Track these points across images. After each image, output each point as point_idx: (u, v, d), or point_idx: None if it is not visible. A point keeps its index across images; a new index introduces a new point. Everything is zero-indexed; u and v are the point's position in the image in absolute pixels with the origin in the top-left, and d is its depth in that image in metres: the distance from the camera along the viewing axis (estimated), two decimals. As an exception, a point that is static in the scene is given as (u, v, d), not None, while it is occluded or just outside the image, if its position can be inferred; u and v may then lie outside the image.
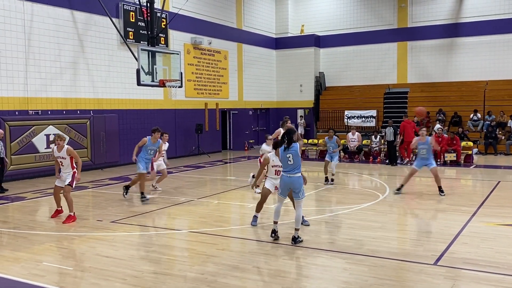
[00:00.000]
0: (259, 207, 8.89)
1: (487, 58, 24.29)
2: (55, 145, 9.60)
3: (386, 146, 18.83)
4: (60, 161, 9.54)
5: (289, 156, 7.58)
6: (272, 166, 8.78)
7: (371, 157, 19.22)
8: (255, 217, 8.98)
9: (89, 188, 13.61)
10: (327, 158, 13.82)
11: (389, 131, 18.00)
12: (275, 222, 7.91)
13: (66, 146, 9.55)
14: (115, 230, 8.81)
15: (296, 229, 7.69)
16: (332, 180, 13.68)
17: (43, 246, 7.79)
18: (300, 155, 7.66)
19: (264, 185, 9.02)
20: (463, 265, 6.61)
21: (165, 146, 12.89)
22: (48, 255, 7.36)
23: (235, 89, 25.27)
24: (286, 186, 7.69)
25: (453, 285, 5.89)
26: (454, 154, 18.07)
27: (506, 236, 8.10)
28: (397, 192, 12.01)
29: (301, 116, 26.91)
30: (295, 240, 7.65)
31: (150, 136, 11.52)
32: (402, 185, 12.18)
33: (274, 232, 7.87)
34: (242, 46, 25.66)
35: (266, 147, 11.86)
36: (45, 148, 15.53)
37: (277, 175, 8.73)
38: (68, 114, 16.49)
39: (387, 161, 18.35)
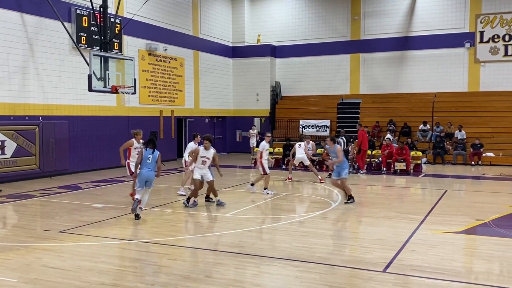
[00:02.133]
0: (194, 194, 11.44)
1: (435, 71, 25.25)
2: (135, 138, 12.02)
3: None
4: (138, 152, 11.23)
5: (149, 157, 10.02)
6: (200, 157, 11.25)
7: (324, 165, 19.49)
8: (190, 199, 11.49)
9: (36, 197, 13.14)
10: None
11: (342, 140, 18.33)
12: (141, 208, 10.08)
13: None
14: (63, 240, 8.53)
15: (141, 208, 10.09)
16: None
17: (-15, 258, 7.44)
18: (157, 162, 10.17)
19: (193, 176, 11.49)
20: (411, 272, 6.79)
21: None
22: (-10, 267, 7.03)
23: (191, 96, 25.13)
24: (144, 179, 9.94)
25: (400, 292, 6.04)
26: (404, 164, 18.61)
27: (452, 243, 8.39)
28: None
29: (253, 125, 26.73)
30: (138, 216, 9.93)
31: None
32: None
33: (137, 215, 9.99)
34: (199, 54, 25.59)
35: (265, 144, 13.77)
36: (-10, 155, 14.89)
37: (203, 164, 11.38)
38: (16, 120, 15.89)
39: None
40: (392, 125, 23.98)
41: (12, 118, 15.83)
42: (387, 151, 19.01)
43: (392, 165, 18.92)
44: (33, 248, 8.02)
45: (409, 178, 17.62)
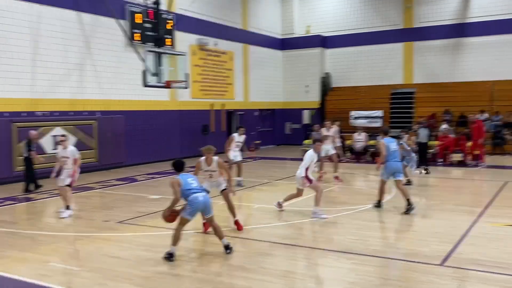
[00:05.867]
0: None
1: (494, 58, 24.10)
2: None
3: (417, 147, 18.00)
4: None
5: None
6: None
7: (377, 157, 19.12)
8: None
9: (96, 189, 13.68)
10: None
11: (424, 132, 17.35)
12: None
13: (216, 158, 8.69)
14: (122, 230, 8.85)
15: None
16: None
17: (50, 247, 7.83)
18: None
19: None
20: (470, 265, 6.58)
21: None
22: (55, 256, 7.40)
23: (241, 90, 25.30)
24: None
25: (459, 286, 5.87)
26: (461, 155, 17.98)
27: (514, 237, 8.06)
28: None
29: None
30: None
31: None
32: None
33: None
34: (248, 47, 25.69)
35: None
36: (52, 149, 15.60)
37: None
38: (75, 115, 16.58)
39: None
40: (448, 115, 23.19)
41: (71, 113, 16.51)
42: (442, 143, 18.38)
43: (448, 157, 18.32)
44: (94, 238, 8.37)
45: (467, 170, 17.02)
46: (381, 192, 10.50)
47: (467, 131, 20.64)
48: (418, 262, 6.73)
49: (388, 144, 10.26)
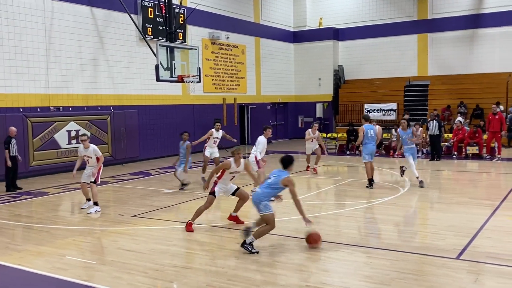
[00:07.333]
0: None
1: (509, 49, 23.76)
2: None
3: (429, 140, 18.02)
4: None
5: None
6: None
7: (391, 151, 19.02)
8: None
9: (110, 183, 13.77)
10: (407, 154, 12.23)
11: (433, 124, 17.33)
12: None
13: (243, 160, 8.46)
14: (136, 224, 8.91)
15: None
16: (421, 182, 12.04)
17: (66, 240, 7.91)
18: None
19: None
20: (486, 259, 6.51)
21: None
22: (71, 249, 7.47)
23: (253, 83, 25.26)
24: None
25: (476, 279, 5.81)
26: (476, 147, 17.77)
27: (531, 230, 7.95)
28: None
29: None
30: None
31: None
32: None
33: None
34: (260, 40, 25.61)
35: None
36: (66, 144, 15.74)
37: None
38: (89, 110, 16.69)
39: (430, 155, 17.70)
40: (463, 107, 22.93)
41: (85, 108, 16.63)
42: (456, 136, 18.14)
43: (463, 149, 18.12)
44: (109, 231, 8.43)
45: (482, 163, 16.83)
46: (370, 171, 11.93)
47: (482, 124, 20.41)
48: (433, 256, 6.67)
49: (367, 129, 11.92)
